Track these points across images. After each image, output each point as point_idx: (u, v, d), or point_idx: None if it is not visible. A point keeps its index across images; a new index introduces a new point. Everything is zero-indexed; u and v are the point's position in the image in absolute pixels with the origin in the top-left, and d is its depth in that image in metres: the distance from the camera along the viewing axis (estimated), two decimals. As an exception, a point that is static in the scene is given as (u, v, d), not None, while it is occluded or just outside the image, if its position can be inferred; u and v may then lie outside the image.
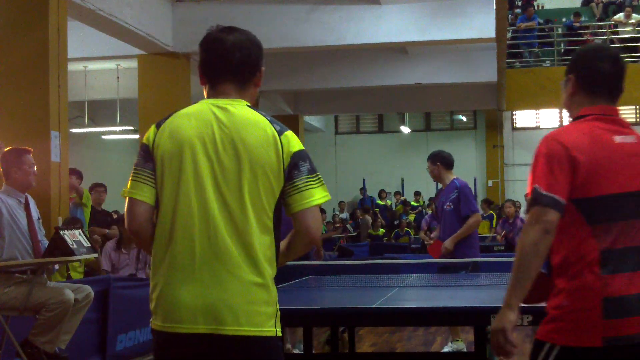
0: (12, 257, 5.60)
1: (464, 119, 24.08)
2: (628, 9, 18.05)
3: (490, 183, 22.67)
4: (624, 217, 2.57)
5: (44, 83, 8.52)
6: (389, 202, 21.93)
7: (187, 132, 2.52)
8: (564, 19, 19.44)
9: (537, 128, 23.90)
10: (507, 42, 14.77)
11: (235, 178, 2.48)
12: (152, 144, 2.56)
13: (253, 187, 2.48)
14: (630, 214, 2.58)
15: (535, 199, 2.56)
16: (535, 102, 18.01)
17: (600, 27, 18.53)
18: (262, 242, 2.48)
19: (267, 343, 2.45)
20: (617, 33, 18.00)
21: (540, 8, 21.28)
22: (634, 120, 23.40)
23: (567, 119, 25.17)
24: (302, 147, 2.56)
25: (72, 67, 12.24)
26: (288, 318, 4.39)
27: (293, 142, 2.54)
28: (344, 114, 24.28)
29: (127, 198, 2.56)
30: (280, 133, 2.52)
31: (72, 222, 7.31)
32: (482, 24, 12.35)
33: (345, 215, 21.39)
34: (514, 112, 22.97)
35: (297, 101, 19.53)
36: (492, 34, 12.22)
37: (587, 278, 2.54)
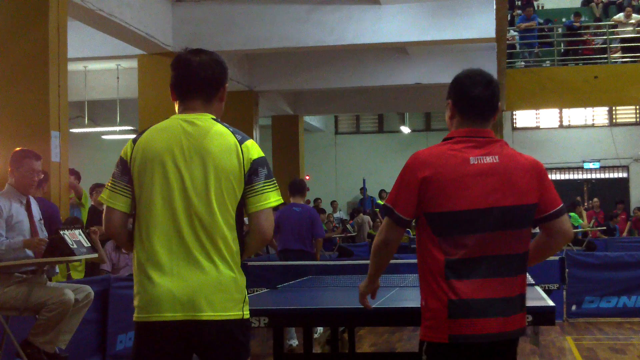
0: (13, 257, 5.59)
1: (464, 119, 24.05)
2: (628, 9, 18.04)
3: (490, 183, 22.64)
4: (471, 231, 2.84)
5: (44, 83, 8.52)
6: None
7: (158, 145, 2.88)
8: (564, 19, 19.43)
9: (537, 128, 23.91)
10: (507, 42, 14.76)
11: (202, 183, 2.84)
12: (130, 158, 2.91)
13: (218, 190, 2.84)
14: (477, 229, 2.84)
15: (386, 213, 2.95)
16: (535, 102, 18.00)
17: (600, 27, 18.52)
18: (228, 238, 2.84)
19: (236, 324, 2.85)
20: (617, 33, 17.99)
21: (540, 8, 21.27)
22: (634, 120, 23.41)
23: (566, 119, 25.17)
24: (261, 155, 2.92)
25: (72, 67, 12.24)
26: (288, 318, 4.41)
27: (253, 150, 2.90)
28: (344, 114, 24.29)
29: (105, 206, 2.93)
30: (241, 142, 2.88)
31: (72, 222, 7.31)
32: (482, 24, 12.35)
33: (338, 214, 21.38)
34: (514, 112, 22.97)
35: (297, 101, 19.52)
36: (492, 34, 12.22)
37: (437, 283, 2.86)
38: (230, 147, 2.86)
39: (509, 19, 15.93)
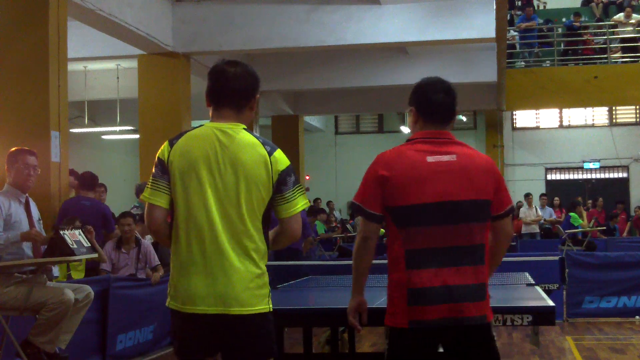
0: (13, 257, 5.59)
1: (464, 119, 24.08)
2: (628, 9, 18.05)
3: (490, 183, 22.64)
4: (426, 223, 3.08)
5: (44, 83, 8.51)
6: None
7: (195, 153, 3.13)
8: (564, 19, 19.43)
9: (537, 128, 23.90)
10: (507, 42, 14.76)
11: (234, 191, 3.10)
12: (167, 159, 3.16)
13: (248, 198, 3.10)
14: (432, 221, 3.08)
15: (357, 211, 3.21)
16: (535, 102, 18.01)
17: (600, 27, 18.52)
18: (256, 240, 3.13)
19: (262, 317, 3.14)
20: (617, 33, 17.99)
21: (542, 8, 21.27)
22: (634, 120, 23.40)
23: (566, 119, 25.21)
24: (288, 163, 3.19)
25: (72, 67, 12.23)
26: (288, 318, 4.40)
27: (281, 161, 3.16)
28: (344, 114, 24.28)
29: (147, 203, 3.18)
30: (270, 154, 3.15)
31: (72, 221, 7.31)
32: (482, 24, 12.33)
33: (337, 214, 21.37)
34: (514, 112, 22.97)
35: (297, 101, 19.52)
36: (492, 34, 12.22)
37: (398, 272, 3.13)
38: (260, 158, 3.11)
39: (508, 18, 15.92)
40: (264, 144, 3.16)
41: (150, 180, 3.18)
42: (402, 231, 3.12)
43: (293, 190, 3.17)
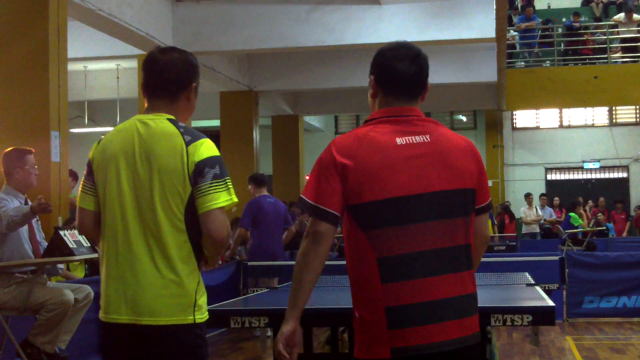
0: (13, 257, 5.59)
1: (464, 119, 24.08)
2: (629, 12, 18.04)
3: (490, 183, 22.67)
4: (401, 222, 2.44)
5: (44, 83, 8.51)
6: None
7: (114, 147, 2.90)
8: (564, 19, 19.43)
9: (537, 128, 23.89)
10: (507, 42, 14.76)
11: (148, 186, 2.82)
12: (92, 159, 2.96)
13: (162, 193, 2.80)
14: (409, 219, 2.45)
15: (308, 210, 2.54)
16: (535, 102, 18.01)
17: (600, 27, 18.52)
18: (173, 242, 2.80)
19: (181, 330, 2.78)
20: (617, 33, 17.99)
21: (547, 7, 21.26)
22: (634, 120, 23.40)
23: (567, 119, 25.15)
24: (212, 154, 2.83)
25: (72, 67, 12.24)
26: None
27: (201, 150, 2.82)
28: (344, 114, 24.28)
29: (77, 206, 2.98)
30: (188, 143, 2.82)
31: (72, 221, 7.30)
32: (482, 24, 12.34)
33: None
34: (514, 112, 22.96)
35: (297, 101, 19.52)
36: (492, 34, 12.22)
37: (370, 288, 2.45)
38: (175, 148, 2.82)
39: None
40: (184, 133, 2.85)
41: (82, 183, 2.99)
42: (371, 234, 2.45)
43: (211, 183, 2.78)
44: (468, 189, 2.54)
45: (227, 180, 2.83)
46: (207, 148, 2.84)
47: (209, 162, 2.81)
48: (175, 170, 2.79)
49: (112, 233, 2.85)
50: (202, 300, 2.87)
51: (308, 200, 2.54)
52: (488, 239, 2.75)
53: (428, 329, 2.41)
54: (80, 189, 2.97)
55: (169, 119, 2.90)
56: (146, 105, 2.99)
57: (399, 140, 2.52)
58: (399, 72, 2.63)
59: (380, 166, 2.47)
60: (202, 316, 2.84)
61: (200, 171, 2.79)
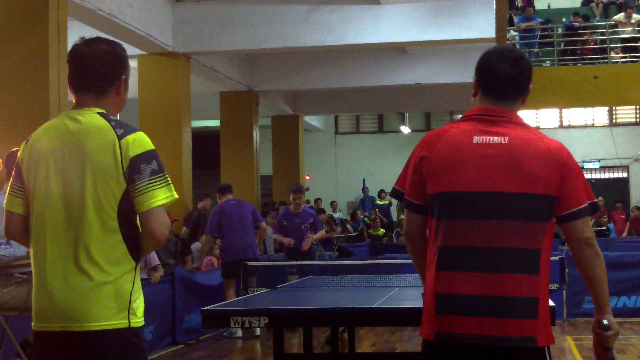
0: (17, 257, 5.59)
1: (465, 119, 24.06)
2: (629, 10, 18.04)
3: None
4: (464, 215, 2.58)
5: (44, 82, 8.51)
6: (386, 202, 21.94)
7: (42, 146, 2.73)
8: (564, 19, 19.44)
9: (537, 128, 23.90)
10: (507, 42, 14.75)
11: (78, 185, 2.64)
12: (20, 159, 2.79)
13: (93, 191, 2.63)
14: (472, 214, 2.58)
15: (398, 199, 2.76)
16: (535, 102, 17.94)
17: (600, 27, 18.52)
18: (105, 243, 2.63)
19: (115, 334, 2.62)
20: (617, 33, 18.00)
21: (547, 8, 21.26)
22: (634, 120, 23.41)
23: (567, 119, 25.08)
24: (147, 149, 2.66)
25: (72, 67, 12.23)
26: (288, 318, 4.40)
27: (135, 145, 2.64)
28: (344, 114, 24.28)
29: (4, 209, 2.80)
30: (120, 137, 2.64)
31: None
32: (482, 24, 12.35)
33: (338, 214, 21.36)
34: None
35: (297, 101, 19.52)
36: (492, 34, 12.23)
37: (429, 273, 2.66)
38: (107, 143, 2.64)
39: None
40: (115, 127, 2.66)
41: (9, 184, 2.82)
42: (437, 224, 2.63)
43: (150, 180, 2.61)
44: (539, 194, 2.58)
45: (166, 175, 2.67)
46: (141, 142, 2.66)
47: (145, 157, 2.64)
48: (107, 167, 2.63)
49: (41, 237, 2.68)
50: (138, 303, 2.70)
51: (399, 190, 2.76)
52: (586, 240, 2.71)
53: (471, 320, 2.54)
54: (7, 191, 2.81)
55: (99, 113, 2.72)
56: (74, 101, 2.79)
57: (475, 139, 2.63)
58: (499, 73, 2.71)
59: (451, 161, 2.61)
60: (137, 320, 2.68)
61: (136, 167, 2.62)
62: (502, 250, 2.56)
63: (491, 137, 2.62)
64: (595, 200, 2.75)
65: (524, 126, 2.70)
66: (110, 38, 2.98)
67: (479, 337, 2.54)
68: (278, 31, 12.69)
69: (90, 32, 11.44)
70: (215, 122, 17.43)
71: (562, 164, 2.61)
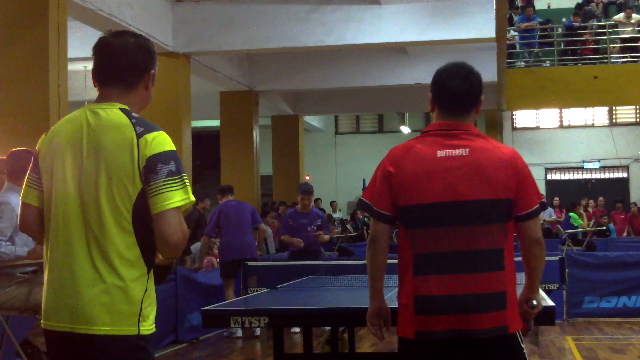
0: (18, 256, 5.60)
1: (464, 119, 24.07)
2: (629, 10, 18.04)
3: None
4: (434, 224, 2.84)
5: (44, 83, 8.52)
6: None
7: (61, 138, 2.64)
8: (564, 19, 19.43)
9: (537, 128, 23.90)
10: (507, 42, 14.76)
11: (93, 182, 2.55)
12: (38, 149, 2.71)
13: (108, 190, 2.53)
14: (441, 222, 2.83)
15: (365, 210, 2.97)
16: (535, 102, 17.99)
17: (600, 27, 18.51)
18: (119, 245, 2.52)
19: (122, 341, 2.50)
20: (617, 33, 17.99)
21: (547, 8, 21.26)
22: (634, 120, 23.41)
23: (567, 119, 25.13)
24: (166, 149, 2.55)
25: (72, 67, 12.21)
26: (288, 318, 4.40)
27: (154, 144, 2.53)
28: (344, 114, 24.29)
29: (21, 202, 2.74)
30: (139, 135, 2.54)
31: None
32: (482, 24, 12.34)
33: (338, 215, 21.37)
34: (514, 112, 22.96)
35: (297, 101, 19.52)
36: (492, 34, 12.22)
37: (406, 279, 2.90)
38: (125, 141, 2.53)
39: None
40: (136, 124, 2.56)
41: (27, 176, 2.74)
42: (410, 233, 2.87)
43: (166, 181, 2.49)
44: (499, 199, 2.84)
45: (184, 178, 2.55)
46: (160, 141, 2.55)
47: (163, 157, 2.52)
48: (123, 165, 2.52)
49: (54, 232, 2.59)
50: (149, 310, 2.56)
51: (366, 202, 2.96)
52: (537, 240, 2.93)
53: (446, 318, 2.80)
54: (25, 182, 2.73)
55: (122, 109, 2.62)
56: (98, 93, 2.71)
57: (439, 153, 2.87)
58: (451, 90, 2.95)
59: (418, 175, 2.85)
60: (148, 328, 2.55)
61: (152, 167, 2.51)
62: (471, 252, 2.82)
63: (453, 150, 2.87)
64: (544, 198, 2.99)
65: (481, 136, 2.94)
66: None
67: (454, 332, 2.80)
68: (278, 31, 12.69)
69: (91, 32, 11.44)
70: (215, 122, 17.43)
71: (517, 170, 2.90)
